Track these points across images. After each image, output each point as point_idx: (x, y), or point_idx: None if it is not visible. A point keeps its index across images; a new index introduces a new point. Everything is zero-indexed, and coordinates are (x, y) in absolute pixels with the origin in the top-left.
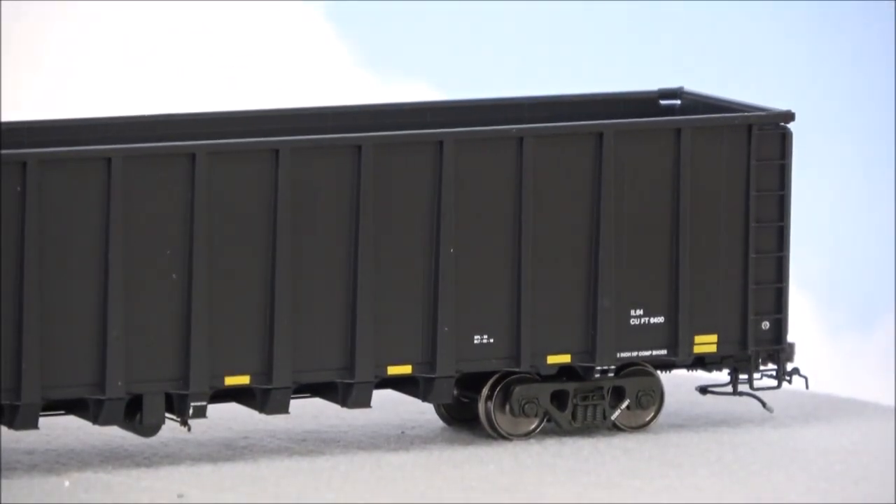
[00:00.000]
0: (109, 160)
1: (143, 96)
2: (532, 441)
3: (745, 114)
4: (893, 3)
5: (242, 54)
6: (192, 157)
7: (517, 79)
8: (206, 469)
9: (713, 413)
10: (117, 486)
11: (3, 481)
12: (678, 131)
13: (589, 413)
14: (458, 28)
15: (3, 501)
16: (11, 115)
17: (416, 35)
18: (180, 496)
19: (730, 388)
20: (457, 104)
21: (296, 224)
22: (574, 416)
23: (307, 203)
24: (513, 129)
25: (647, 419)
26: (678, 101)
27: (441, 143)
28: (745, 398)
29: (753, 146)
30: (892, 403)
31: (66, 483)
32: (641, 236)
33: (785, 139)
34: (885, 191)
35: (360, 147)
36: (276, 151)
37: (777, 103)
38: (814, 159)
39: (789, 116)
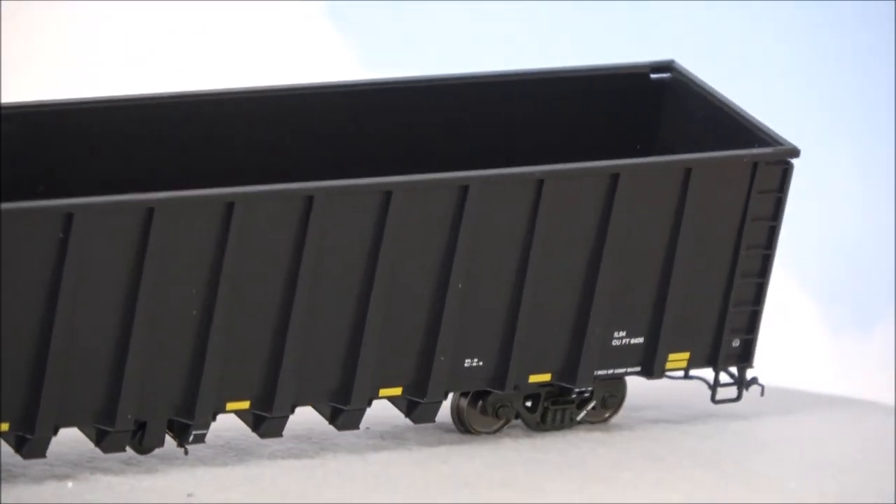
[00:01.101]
0: (152, 209)
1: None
2: (503, 437)
3: (753, 151)
4: (894, 2)
5: (242, 54)
6: (231, 205)
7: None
8: (208, 469)
9: (687, 409)
10: (119, 487)
11: (4, 483)
12: (689, 170)
13: (557, 416)
14: (460, 27)
15: (3, 503)
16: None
17: (418, 34)
18: (189, 495)
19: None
20: (442, 81)
21: (319, 266)
22: (543, 419)
23: (331, 245)
24: (536, 171)
25: (607, 415)
26: (669, 75)
27: (467, 187)
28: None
29: (756, 180)
30: (893, 403)
31: (70, 484)
32: (635, 262)
33: (786, 174)
34: (885, 190)
35: (390, 193)
36: (311, 198)
37: (775, 103)
38: (814, 158)
39: (794, 153)
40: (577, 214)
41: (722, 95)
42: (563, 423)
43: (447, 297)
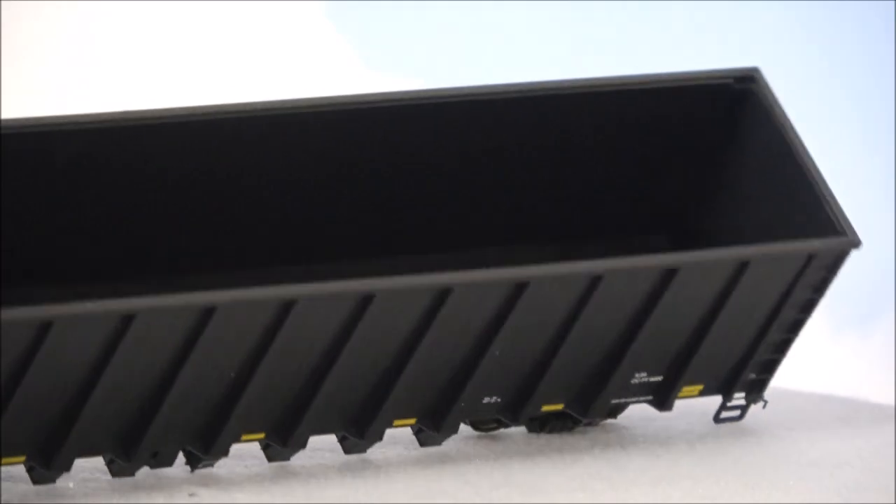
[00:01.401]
0: (214, 308)
1: (140, 98)
2: (499, 435)
3: (815, 245)
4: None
5: (243, 55)
6: (291, 303)
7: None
8: (209, 469)
9: (682, 408)
10: (121, 486)
11: (4, 483)
12: (745, 263)
13: (557, 425)
14: (470, 27)
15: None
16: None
17: (425, 35)
18: (191, 495)
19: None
20: (467, 95)
21: (362, 342)
22: (543, 426)
23: (378, 327)
24: (595, 266)
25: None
26: (752, 85)
27: (527, 283)
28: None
29: (811, 265)
30: (893, 403)
31: (71, 484)
32: (675, 324)
33: (838, 261)
34: (885, 189)
35: (450, 289)
36: (371, 296)
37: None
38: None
39: (856, 244)
40: (626, 296)
41: (795, 131)
42: (563, 430)
43: (482, 360)
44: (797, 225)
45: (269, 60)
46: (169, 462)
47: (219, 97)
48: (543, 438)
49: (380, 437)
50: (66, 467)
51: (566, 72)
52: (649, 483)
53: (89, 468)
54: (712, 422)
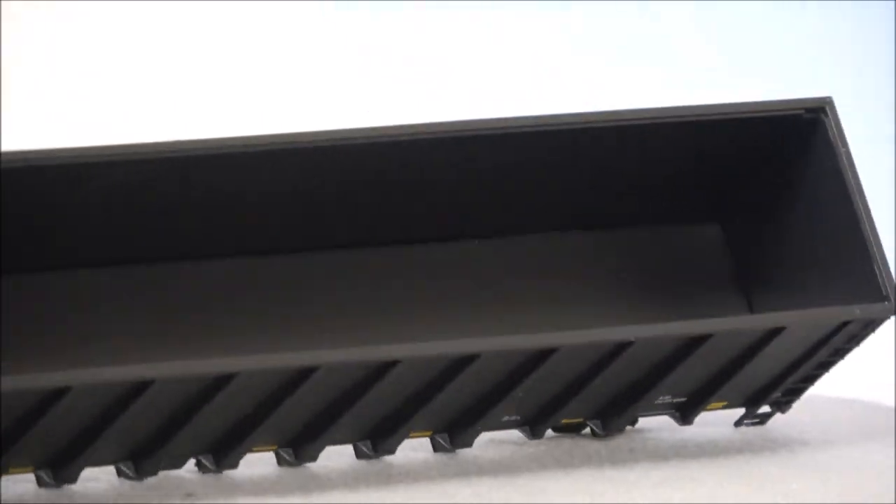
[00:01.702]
0: (231, 376)
1: (142, 102)
2: (503, 436)
3: (856, 312)
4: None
5: (248, 56)
6: (312, 369)
7: (550, 89)
8: (210, 470)
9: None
10: (119, 486)
11: (4, 483)
12: (780, 329)
13: (568, 426)
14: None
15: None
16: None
17: (434, 35)
18: (189, 495)
19: None
20: (505, 128)
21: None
22: (554, 428)
23: (403, 384)
24: (621, 332)
25: None
26: (822, 116)
27: (556, 349)
28: None
29: (847, 328)
30: (893, 403)
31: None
32: (707, 364)
33: (876, 323)
34: (885, 188)
35: (478, 356)
36: (396, 362)
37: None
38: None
39: (890, 311)
40: (655, 355)
41: (858, 178)
42: (571, 432)
43: (503, 400)
44: (843, 276)
45: (276, 62)
46: (178, 466)
47: (221, 101)
48: (553, 440)
49: (392, 452)
50: (73, 480)
51: (624, 100)
52: (651, 485)
53: (90, 467)
54: (726, 426)
